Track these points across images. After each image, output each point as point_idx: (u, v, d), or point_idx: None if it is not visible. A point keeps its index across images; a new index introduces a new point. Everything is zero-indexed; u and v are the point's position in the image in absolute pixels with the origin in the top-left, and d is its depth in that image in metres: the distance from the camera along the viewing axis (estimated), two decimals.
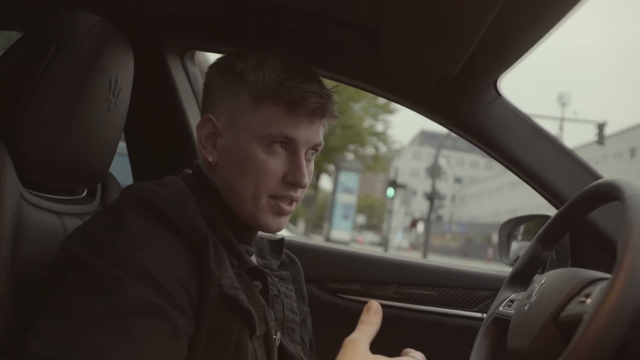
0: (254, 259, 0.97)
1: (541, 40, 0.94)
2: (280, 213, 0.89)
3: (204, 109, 0.93)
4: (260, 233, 0.96)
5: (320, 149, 0.93)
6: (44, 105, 0.84)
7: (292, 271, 1.07)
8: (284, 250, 1.09)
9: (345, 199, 19.48)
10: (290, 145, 0.87)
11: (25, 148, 0.82)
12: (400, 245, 37.76)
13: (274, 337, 0.88)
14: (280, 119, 0.85)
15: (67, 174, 0.90)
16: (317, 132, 0.90)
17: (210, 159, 0.89)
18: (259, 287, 0.88)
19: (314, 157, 0.93)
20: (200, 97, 1.06)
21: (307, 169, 0.90)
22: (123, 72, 0.96)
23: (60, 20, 0.89)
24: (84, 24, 0.89)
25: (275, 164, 0.86)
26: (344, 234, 18.97)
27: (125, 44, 0.96)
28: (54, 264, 0.74)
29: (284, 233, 1.07)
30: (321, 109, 0.87)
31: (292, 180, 0.87)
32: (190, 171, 0.94)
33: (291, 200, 0.89)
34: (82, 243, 0.72)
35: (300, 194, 0.91)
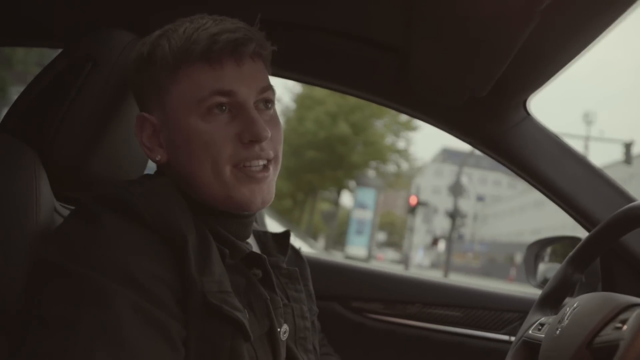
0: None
1: (573, 61, 0.93)
2: (253, 179, 0.77)
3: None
4: (260, 226, 0.90)
5: (272, 95, 0.81)
6: (80, 121, 0.86)
7: (298, 267, 0.96)
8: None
9: (361, 215, 19.40)
10: (230, 103, 0.76)
11: (61, 162, 0.84)
12: (421, 264, 37.38)
13: (279, 330, 0.78)
14: (203, 77, 0.75)
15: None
16: (253, 75, 0.78)
17: (159, 159, 0.80)
18: (258, 275, 0.79)
19: (271, 108, 0.82)
20: None
21: (266, 121, 0.78)
22: None
23: (96, 38, 0.91)
24: (119, 41, 0.91)
25: (221, 128, 0.76)
26: (359, 250, 18.87)
27: None
28: (31, 272, 0.67)
29: (303, 248, 1.06)
30: (242, 44, 0.75)
31: (250, 137, 0.75)
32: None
33: (261, 162, 0.78)
34: (55, 247, 0.65)
35: (270, 150, 0.79)
